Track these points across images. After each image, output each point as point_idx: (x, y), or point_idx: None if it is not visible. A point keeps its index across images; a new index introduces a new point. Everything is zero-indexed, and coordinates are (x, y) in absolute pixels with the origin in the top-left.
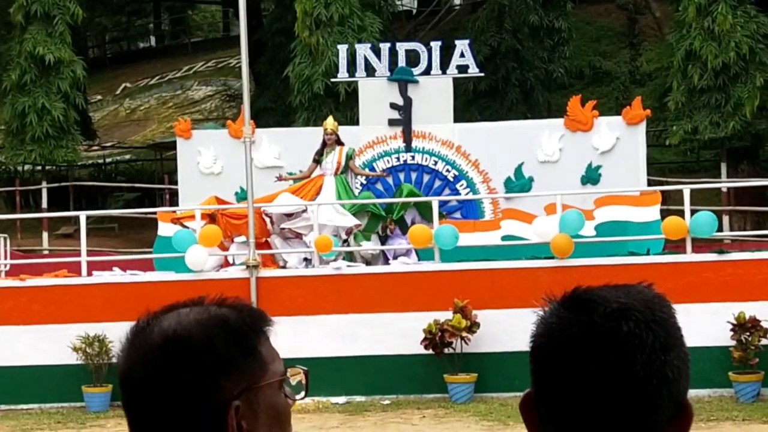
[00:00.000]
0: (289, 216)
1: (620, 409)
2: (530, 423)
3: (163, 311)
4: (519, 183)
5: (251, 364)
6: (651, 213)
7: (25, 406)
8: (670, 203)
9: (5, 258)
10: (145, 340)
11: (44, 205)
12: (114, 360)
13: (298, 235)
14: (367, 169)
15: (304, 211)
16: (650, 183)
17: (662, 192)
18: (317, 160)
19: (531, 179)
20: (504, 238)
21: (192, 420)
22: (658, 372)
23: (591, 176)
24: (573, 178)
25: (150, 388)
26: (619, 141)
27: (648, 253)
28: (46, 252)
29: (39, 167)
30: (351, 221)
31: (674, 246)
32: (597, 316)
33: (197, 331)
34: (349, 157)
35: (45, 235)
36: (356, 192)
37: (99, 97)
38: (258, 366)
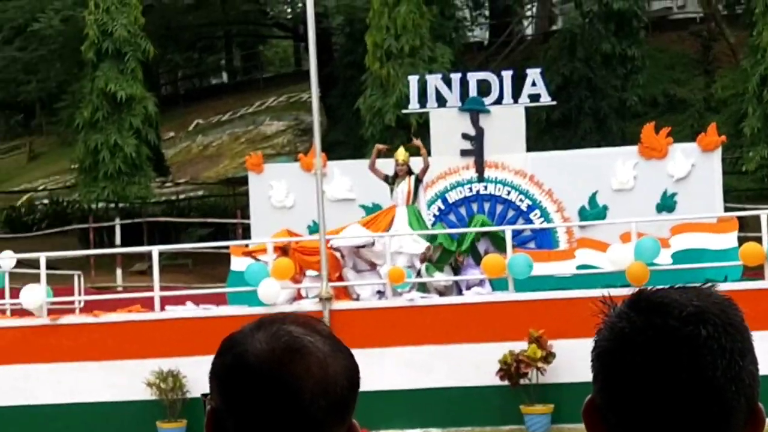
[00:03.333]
0: (360, 247)
1: (699, 415)
2: (594, 430)
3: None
4: (593, 211)
5: None
6: (728, 240)
7: None
8: (747, 230)
9: (80, 294)
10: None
11: (118, 241)
12: (188, 395)
13: (372, 267)
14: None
15: (374, 243)
16: (726, 210)
17: (739, 218)
18: (387, 181)
19: (605, 207)
20: (579, 267)
21: None
22: (737, 377)
23: (666, 204)
24: (648, 206)
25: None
26: (695, 168)
27: (726, 281)
28: (119, 288)
29: (112, 204)
30: (422, 245)
31: (752, 273)
32: (673, 320)
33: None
34: (418, 181)
35: (119, 271)
36: (429, 223)
37: (172, 134)
38: None
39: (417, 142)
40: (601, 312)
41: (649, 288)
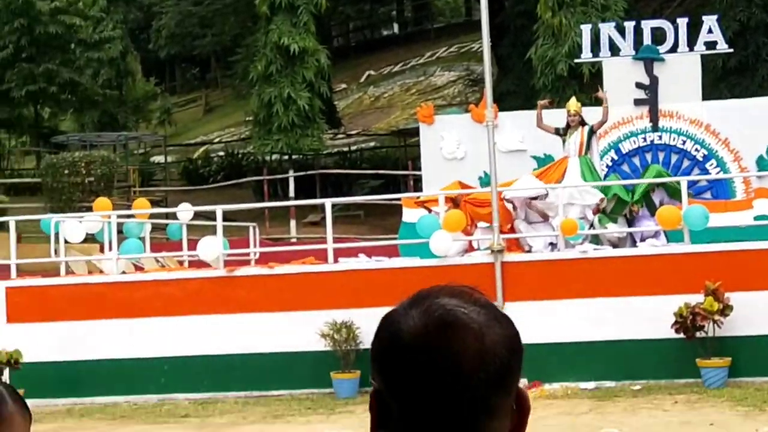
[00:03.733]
0: (533, 199)
1: None
2: None
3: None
4: None
5: None
6: None
7: (275, 393)
8: None
9: (255, 246)
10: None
11: (291, 193)
12: (362, 346)
13: (544, 218)
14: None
15: (547, 195)
16: None
17: None
18: (558, 132)
19: None
20: (756, 218)
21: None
22: None
23: None
24: None
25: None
26: None
27: None
28: (293, 240)
29: (285, 156)
30: (596, 197)
31: None
32: None
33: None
34: (592, 132)
35: (293, 223)
36: (602, 173)
37: (343, 85)
38: None
39: (602, 94)
40: None
41: None
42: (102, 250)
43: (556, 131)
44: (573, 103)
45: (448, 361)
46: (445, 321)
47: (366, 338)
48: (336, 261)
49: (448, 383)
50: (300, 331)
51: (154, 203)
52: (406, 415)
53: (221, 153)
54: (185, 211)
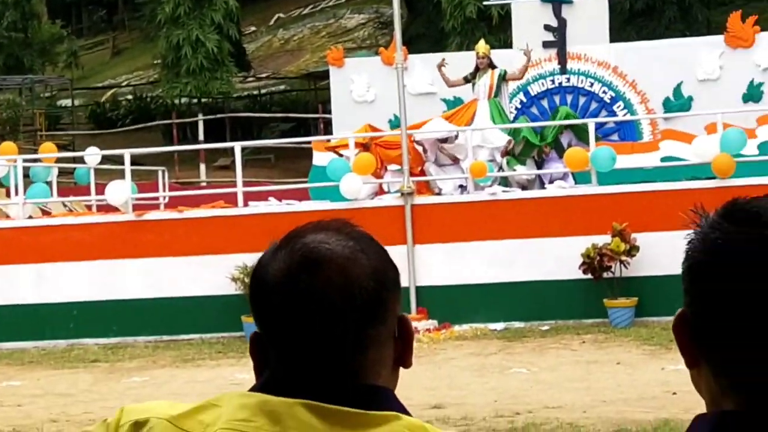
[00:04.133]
0: (443, 142)
1: None
2: (686, 345)
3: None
4: (678, 103)
5: None
6: None
7: (186, 337)
8: None
9: (164, 190)
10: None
11: (201, 137)
12: None
13: (454, 161)
14: (515, 100)
15: (457, 137)
16: None
17: None
18: (468, 79)
19: (690, 98)
20: (663, 159)
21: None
22: None
23: (753, 94)
24: (734, 97)
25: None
26: None
27: None
28: (203, 184)
29: (195, 100)
30: (504, 139)
31: None
32: None
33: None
34: (502, 77)
35: (202, 167)
36: (511, 116)
37: (253, 28)
38: None
39: (528, 52)
40: (691, 221)
41: (744, 197)
42: (8, 194)
43: (465, 80)
44: (482, 46)
45: (312, 299)
46: (308, 258)
47: None
48: (246, 205)
49: (315, 320)
50: (210, 275)
51: (61, 147)
52: (282, 356)
53: (129, 97)
54: (93, 155)
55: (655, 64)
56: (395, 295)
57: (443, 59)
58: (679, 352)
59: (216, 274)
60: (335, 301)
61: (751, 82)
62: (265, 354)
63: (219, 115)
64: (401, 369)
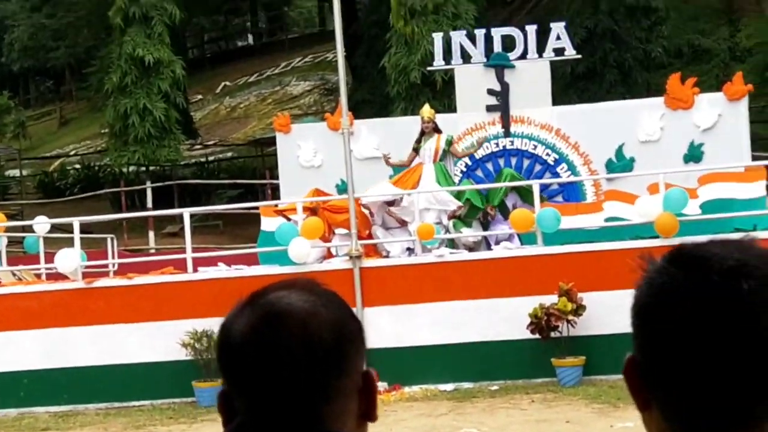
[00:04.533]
0: (390, 205)
1: (741, 370)
2: (636, 389)
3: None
4: (620, 164)
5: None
6: (756, 189)
7: (137, 403)
8: None
9: (113, 258)
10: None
11: (149, 204)
12: None
13: (402, 224)
14: (464, 148)
15: (402, 200)
16: (754, 159)
17: (767, 167)
18: (416, 148)
19: (632, 159)
20: (607, 219)
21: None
22: None
23: (693, 154)
24: (675, 157)
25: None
26: (721, 117)
27: (755, 229)
28: (152, 251)
29: (143, 168)
30: (453, 203)
31: None
32: (714, 274)
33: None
34: (449, 143)
35: (151, 234)
36: (456, 179)
37: (199, 96)
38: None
39: (480, 141)
40: (639, 267)
41: (689, 242)
42: None
43: (415, 151)
44: (427, 110)
45: (274, 353)
46: (270, 313)
47: None
48: (195, 270)
49: (278, 373)
50: (160, 341)
51: (10, 217)
52: (249, 409)
53: (77, 165)
54: (42, 224)
55: (597, 126)
56: (357, 348)
57: (385, 155)
58: (631, 395)
59: (166, 340)
60: (297, 353)
61: (692, 142)
62: (232, 408)
63: (167, 183)
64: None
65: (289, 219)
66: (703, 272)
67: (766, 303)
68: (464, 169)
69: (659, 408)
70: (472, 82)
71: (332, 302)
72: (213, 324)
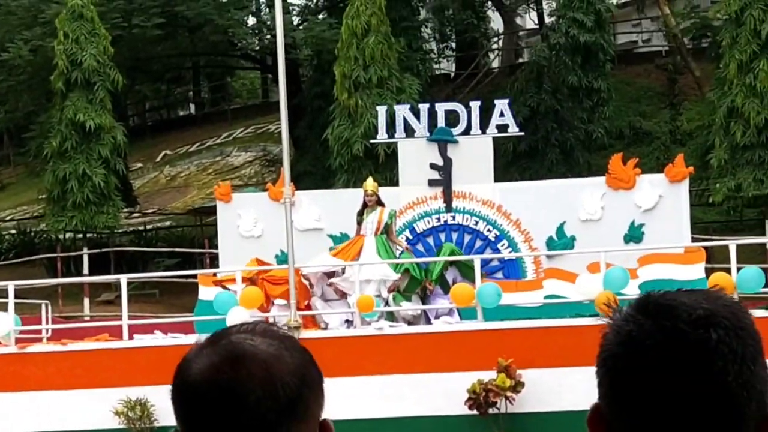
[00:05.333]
0: (329, 276)
1: (709, 421)
2: None
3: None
4: (561, 242)
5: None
6: (695, 271)
7: None
8: (714, 262)
9: (47, 323)
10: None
11: (85, 271)
12: (156, 423)
13: (342, 296)
14: (401, 238)
15: (343, 272)
16: (693, 241)
17: (706, 249)
18: (359, 221)
19: (573, 238)
20: (546, 297)
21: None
22: (748, 383)
23: (634, 234)
24: (615, 237)
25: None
26: (662, 199)
27: None
28: (87, 318)
29: (80, 234)
30: (393, 275)
31: None
32: (682, 323)
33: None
34: (391, 218)
35: (86, 301)
36: (396, 253)
37: (139, 164)
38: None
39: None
40: (606, 316)
41: (657, 291)
42: None
43: (358, 223)
44: (370, 184)
45: (235, 395)
46: (232, 354)
47: (161, 416)
48: (131, 338)
49: (237, 414)
50: (94, 409)
51: None
52: None
53: (13, 231)
54: None
55: (538, 204)
56: (317, 396)
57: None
58: None
59: (100, 408)
60: (256, 395)
61: (632, 222)
62: None
63: (104, 249)
64: None
65: (227, 288)
66: (672, 321)
67: (735, 353)
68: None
69: None
70: (415, 156)
71: (295, 347)
72: (148, 392)
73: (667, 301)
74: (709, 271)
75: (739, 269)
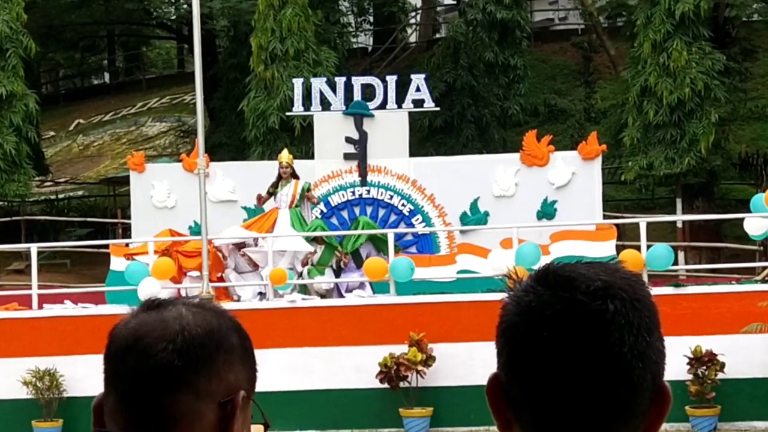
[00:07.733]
0: (241, 247)
1: (605, 391)
2: (498, 408)
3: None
4: (474, 217)
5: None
6: (606, 248)
7: None
8: (625, 239)
9: None
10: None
11: None
12: (65, 394)
13: (255, 268)
14: (315, 210)
15: (256, 243)
16: (605, 219)
17: (617, 227)
18: (272, 192)
19: (486, 214)
20: (459, 272)
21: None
22: (644, 354)
23: (546, 211)
24: (529, 213)
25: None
26: (575, 176)
27: None
28: None
29: None
30: (307, 247)
31: None
32: (580, 294)
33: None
34: (306, 190)
35: None
36: (311, 214)
37: (52, 133)
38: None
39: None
40: (506, 287)
41: (557, 263)
42: None
43: (269, 194)
44: (285, 156)
45: (143, 339)
46: (159, 315)
47: (70, 386)
48: (41, 307)
49: (140, 356)
50: (1, 379)
51: None
52: (117, 404)
53: None
54: None
55: (453, 179)
56: (230, 361)
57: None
58: (492, 414)
59: (8, 378)
60: (160, 341)
61: (545, 199)
62: (100, 410)
63: (14, 218)
64: None
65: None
66: (570, 292)
67: (631, 324)
68: (319, 216)
69: (521, 427)
70: (331, 129)
71: (217, 311)
72: (57, 362)
73: (566, 272)
74: (620, 249)
75: (649, 247)
